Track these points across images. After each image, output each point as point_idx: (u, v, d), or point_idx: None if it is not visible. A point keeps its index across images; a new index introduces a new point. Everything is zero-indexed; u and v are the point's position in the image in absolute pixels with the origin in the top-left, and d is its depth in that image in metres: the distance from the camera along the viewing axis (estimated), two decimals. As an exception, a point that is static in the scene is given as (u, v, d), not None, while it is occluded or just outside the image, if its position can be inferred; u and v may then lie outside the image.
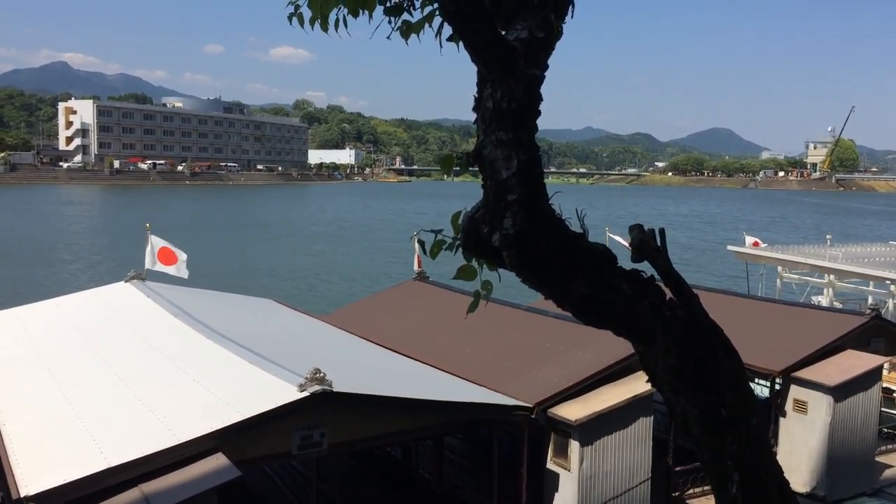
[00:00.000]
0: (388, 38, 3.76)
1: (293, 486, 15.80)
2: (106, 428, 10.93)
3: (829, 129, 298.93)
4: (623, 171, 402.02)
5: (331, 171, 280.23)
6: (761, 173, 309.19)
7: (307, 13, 3.93)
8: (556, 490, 14.83)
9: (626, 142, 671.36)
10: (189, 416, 11.22)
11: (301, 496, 15.11)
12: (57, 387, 13.00)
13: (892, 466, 19.45)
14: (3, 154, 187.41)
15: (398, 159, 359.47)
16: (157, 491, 9.62)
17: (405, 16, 3.69)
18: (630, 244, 3.19)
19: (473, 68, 3.16)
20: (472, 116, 3.15)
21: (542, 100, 3.05)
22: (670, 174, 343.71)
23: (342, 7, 3.77)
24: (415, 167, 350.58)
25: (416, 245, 3.32)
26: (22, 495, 8.92)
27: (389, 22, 3.73)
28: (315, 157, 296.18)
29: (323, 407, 11.51)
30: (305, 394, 11.12)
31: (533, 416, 14.44)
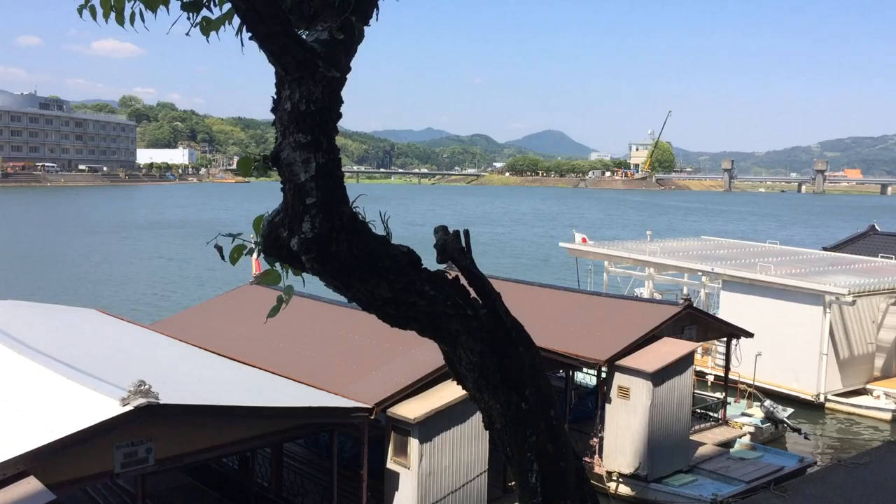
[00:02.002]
0: (188, 34, 3.60)
1: (119, 506, 14.89)
2: None
3: (649, 131, 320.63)
4: (463, 172, 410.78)
5: (162, 172, 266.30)
6: (591, 173, 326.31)
7: (101, 7, 3.70)
8: (397, 489, 14.93)
9: (466, 143, 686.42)
10: (-5, 439, 10.29)
11: (128, 516, 14.27)
12: None
13: (704, 444, 21.17)
14: None
15: (235, 159, 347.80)
16: (-44, 524, 8.78)
17: (204, 12, 3.55)
18: (434, 246, 3.23)
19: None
20: None
21: (342, 102, 3.02)
22: (508, 174, 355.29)
23: (137, 0, 3.57)
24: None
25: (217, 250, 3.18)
26: None
27: (189, 18, 3.58)
28: (145, 156, 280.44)
29: (149, 421, 10.94)
30: (129, 408, 10.51)
31: (373, 417, 14.45)
